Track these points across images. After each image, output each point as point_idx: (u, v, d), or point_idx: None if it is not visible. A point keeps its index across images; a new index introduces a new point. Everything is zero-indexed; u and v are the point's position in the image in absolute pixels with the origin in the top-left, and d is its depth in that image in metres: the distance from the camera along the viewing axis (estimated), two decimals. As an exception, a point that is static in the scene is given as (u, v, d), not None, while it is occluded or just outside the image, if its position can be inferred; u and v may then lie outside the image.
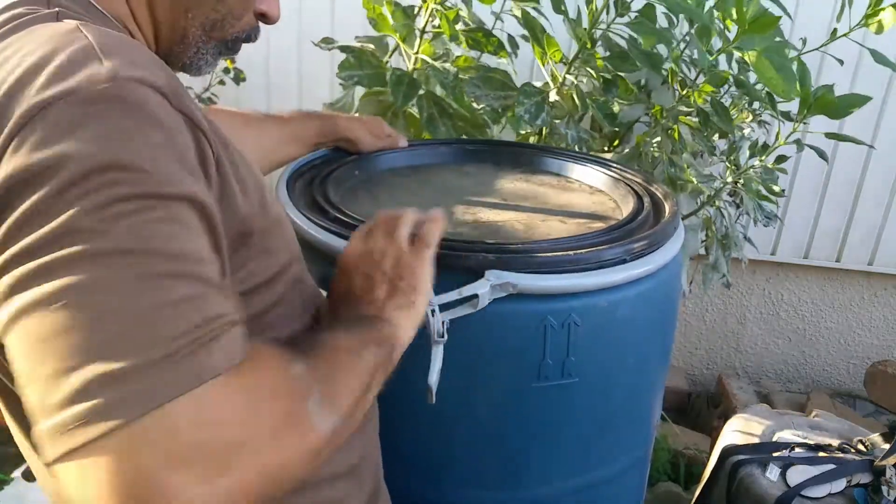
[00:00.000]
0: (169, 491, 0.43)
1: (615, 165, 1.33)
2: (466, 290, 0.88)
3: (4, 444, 2.27)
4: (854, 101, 1.51)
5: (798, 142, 1.71)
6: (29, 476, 1.39)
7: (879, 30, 1.53)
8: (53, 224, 0.47)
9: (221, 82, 2.32)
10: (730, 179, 1.80)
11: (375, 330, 0.70)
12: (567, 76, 1.64)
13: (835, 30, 1.61)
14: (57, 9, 0.61)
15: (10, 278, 0.48)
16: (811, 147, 1.78)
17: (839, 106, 1.50)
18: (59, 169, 0.48)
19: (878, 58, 1.55)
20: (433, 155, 1.40)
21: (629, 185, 1.23)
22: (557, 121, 1.64)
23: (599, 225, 1.11)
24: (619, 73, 1.67)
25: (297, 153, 1.25)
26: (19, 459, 2.03)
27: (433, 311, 0.84)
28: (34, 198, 0.48)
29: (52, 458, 0.44)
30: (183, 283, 0.49)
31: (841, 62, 1.80)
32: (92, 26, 0.58)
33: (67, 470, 0.44)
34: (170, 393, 0.45)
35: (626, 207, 1.16)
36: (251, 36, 0.76)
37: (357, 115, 1.71)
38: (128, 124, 0.51)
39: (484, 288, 0.88)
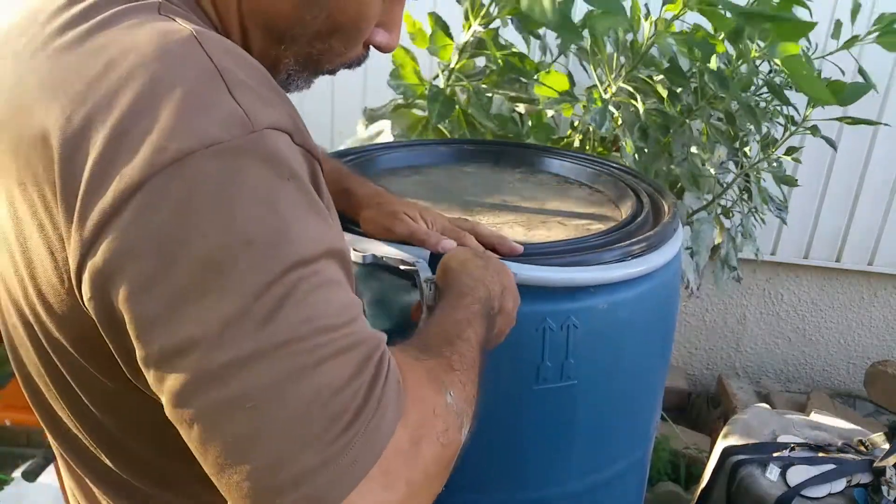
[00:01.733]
0: None
1: (614, 166, 1.33)
2: None
3: (4, 444, 2.27)
4: (860, 89, 1.58)
5: (814, 128, 1.76)
6: (29, 476, 1.39)
7: (892, 47, 1.59)
8: (211, 310, 0.46)
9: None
10: (740, 171, 1.81)
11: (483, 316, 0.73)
12: (622, 86, 1.65)
13: (852, 38, 1.66)
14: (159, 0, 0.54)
15: (164, 364, 0.47)
16: (824, 137, 1.81)
17: (848, 94, 1.57)
18: (203, 243, 0.46)
19: (865, 77, 1.66)
20: (433, 155, 1.40)
21: (628, 186, 1.23)
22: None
23: (599, 226, 1.11)
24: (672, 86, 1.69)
25: None
26: (19, 459, 2.03)
27: (427, 281, 0.84)
28: (178, 272, 0.46)
29: None
30: (346, 354, 0.49)
31: (843, 71, 1.82)
32: (206, 34, 0.52)
33: None
34: (361, 471, 0.48)
35: (626, 208, 1.16)
36: (357, 64, 0.70)
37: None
38: (270, 185, 0.48)
39: None
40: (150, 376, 0.48)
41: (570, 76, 1.67)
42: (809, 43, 1.77)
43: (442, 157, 1.41)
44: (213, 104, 0.48)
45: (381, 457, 0.49)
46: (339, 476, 0.47)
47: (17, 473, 1.71)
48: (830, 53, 1.72)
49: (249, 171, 0.47)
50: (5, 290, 0.60)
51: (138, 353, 0.48)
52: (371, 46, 0.68)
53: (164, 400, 0.48)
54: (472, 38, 1.65)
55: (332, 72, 0.69)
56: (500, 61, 1.67)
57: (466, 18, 1.65)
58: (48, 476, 1.45)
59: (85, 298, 0.49)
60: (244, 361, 0.46)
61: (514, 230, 1.12)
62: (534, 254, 0.96)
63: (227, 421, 0.46)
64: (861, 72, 1.65)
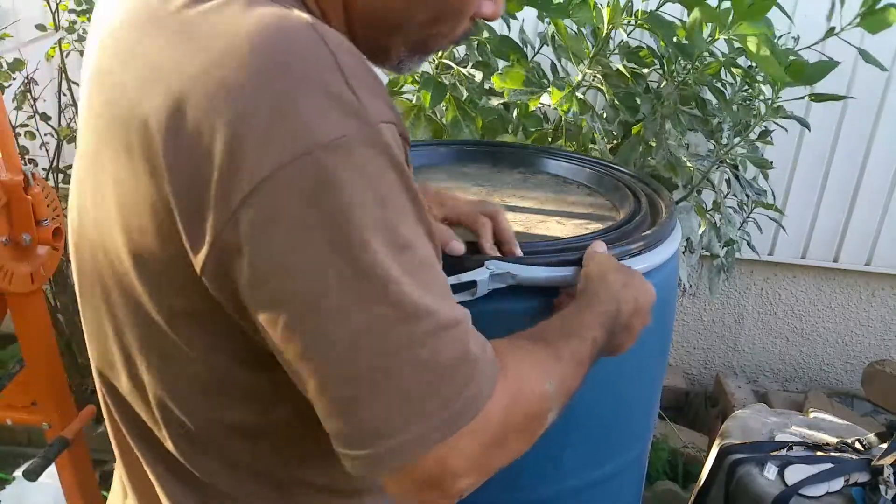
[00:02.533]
0: (446, 484, 0.57)
1: (612, 166, 1.34)
2: (465, 277, 0.88)
3: (5, 444, 2.28)
4: (824, 68, 1.57)
5: (779, 108, 1.75)
6: (30, 475, 1.39)
7: (873, 28, 1.55)
8: (327, 278, 0.51)
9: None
10: (716, 158, 1.81)
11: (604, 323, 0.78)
12: (590, 73, 1.66)
13: (831, 28, 1.63)
14: None
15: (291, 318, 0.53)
16: (794, 117, 1.81)
17: (811, 73, 1.57)
18: (332, 225, 0.51)
19: (867, 57, 1.58)
20: (432, 156, 1.41)
21: (627, 187, 1.24)
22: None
23: (597, 226, 1.12)
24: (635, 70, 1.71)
25: None
26: (20, 459, 2.03)
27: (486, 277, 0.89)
28: (307, 252, 0.51)
29: (373, 474, 0.56)
30: (452, 329, 0.56)
31: (837, 63, 1.81)
32: (321, 24, 0.54)
33: (389, 480, 0.57)
34: (460, 424, 0.56)
35: (624, 208, 1.17)
36: (465, 38, 0.73)
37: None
38: (383, 174, 0.53)
39: (483, 275, 0.88)
40: (275, 322, 0.53)
41: (538, 68, 1.67)
42: (795, 37, 1.78)
43: (441, 158, 1.41)
44: (335, 97, 0.51)
45: (478, 419, 0.56)
46: (427, 433, 0.54)
47: (18, 473, 1.71)
48: (818, 42, 1.70)
49: (368, 162, 0.52)
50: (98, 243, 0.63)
51: (263, 306, 0.53)
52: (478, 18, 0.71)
53: (292, 345, 0.53)
54: None
55: (444, 49, 0.73)
56: (487, 45, 1.68)
57: None
58: (49, 475, 1.46)
59: (206, 268, 0.54)
60: (368, 323, 0.52)
61: (513, 229, 1.12)
62: (532, 252, 0.97)
63: (351, 365, 0.53)
64: (862, 52, 1.60)
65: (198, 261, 0.54)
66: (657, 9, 1.63)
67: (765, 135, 1.88)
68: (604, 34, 1.63)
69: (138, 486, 0.73)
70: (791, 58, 1.59)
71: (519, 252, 0.96)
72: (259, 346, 0.58)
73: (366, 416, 0.54)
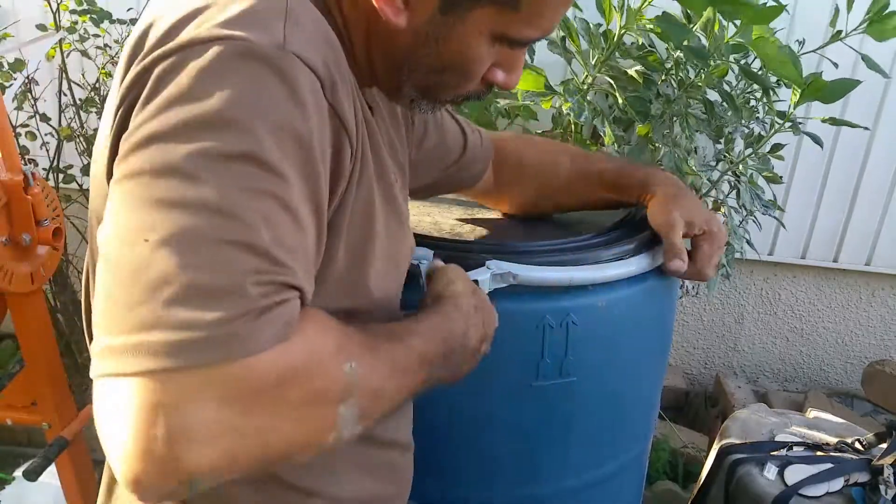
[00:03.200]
0: (185, 441, 0.46)
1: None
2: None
3: (5, 444, 2.27)
4: (845, 86, 1.54)
5: (795, 125, 1.73)
6: (30, 475, 1.39)
7: (879, 36, 1.54)
8: (161, 158, 0.51)
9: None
10: (725, 168, 1.81)
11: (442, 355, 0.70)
12: (600, 75, 1.66)
13: (838, 31, 1.62)
14: None
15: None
16: (807, 133, 1.80)
17: (830, 90, 1.53)
18: (196, 104, 0.52)
19: (870, 64, 1.57)
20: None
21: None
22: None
23: (596, 226, 1.12)
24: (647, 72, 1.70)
25: (575, 205, 1.13)
26: (20, 459, 2.03)
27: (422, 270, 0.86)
28: (162, 119, 0.52)
29: (107, 371, 0.47)
30: (263, 250, 0.51)
31: (836, 65, 1.81)
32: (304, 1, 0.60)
33: (113, 388, 0.47)
34: (237, 352, 0.48)
35: (623, 208, 1.17)
36: (478, 97, 0.76)
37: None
38: (273, 94, 0.53)
39: (484, 275, 0.88)
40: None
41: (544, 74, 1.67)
42: (800, 41, 1.77)
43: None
44: (263, 23, 0.55)
45: (232, 367, 0.48)
46: (183, 348, 0.46)
47: (18, 473, 1.71)
48: (823, 46, 1.69)
49: (257, 70, 0.53)
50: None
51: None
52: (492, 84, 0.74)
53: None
54: None
55: (456, 102, 0.76)
56: None
57: None
58: (49, 475, 1.46)
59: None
60: (161, 202, 0.50)
61: (514, 230, 1.13)
62: (531, 253, 0.97)
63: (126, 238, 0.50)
64: (865, 59, 1.60)
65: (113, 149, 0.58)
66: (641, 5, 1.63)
67: (777, 148, 1.88)
68: (615, 37, 1.63)
69: None
70: (811, 71, 1.57)
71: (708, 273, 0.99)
72: None
73: (109, 302, 0.49)
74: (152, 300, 0.47)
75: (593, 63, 1.67)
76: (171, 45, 0.54)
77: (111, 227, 0.51)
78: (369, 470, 0.78)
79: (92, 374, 0.49)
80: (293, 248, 0.53)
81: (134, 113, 0.54)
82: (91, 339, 0.72)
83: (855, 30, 1.60)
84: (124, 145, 0.53)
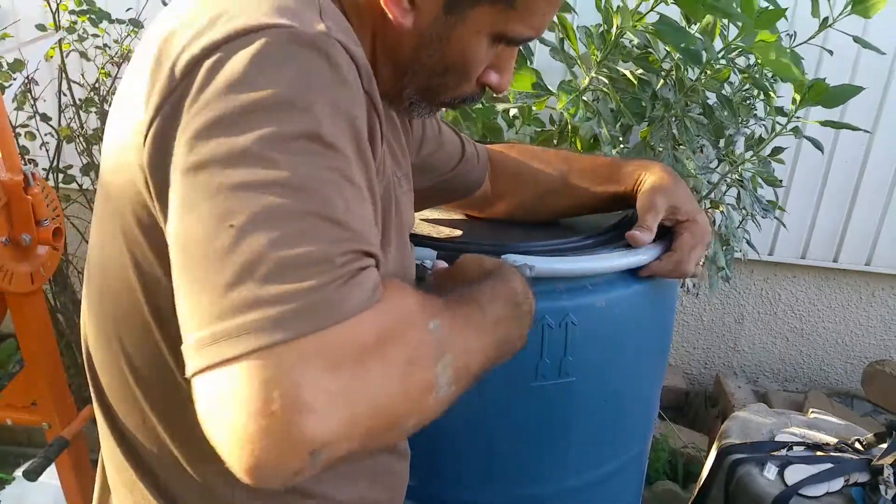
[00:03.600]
0: (305, 411, 0.45)
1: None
2: None
3: (5, 444, 2.27)
4: (846, 92, 1.54)
5: (796, 129, 1.72)
6: (30, 475, 1.39)
7: (867, 13, 1.53)
8: (228, 145, 0.51)
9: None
10: (726, 171, 1.81)
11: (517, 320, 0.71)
12: (597, 77, 1.65)
13: (825, 19, 1.61)
14: None
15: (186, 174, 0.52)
16: (808, 138, 1.80)
17: (833, 95, 1.52)
18: (253, 90, 0.52)
19: (864, 44, 1.56)
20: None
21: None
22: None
23: (596, 227, 1.12)
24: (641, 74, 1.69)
25: (572, 207, 1.12)
26: (20, 459, 2.03)
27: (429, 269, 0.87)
28: (221, 107, 0.52)
29: (211, 362, 0.47)
30: (340, 221, 0.52)
31: (830, 52, 1.80)
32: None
33: (216, 379, 0.47)
34: (336, 317, 0.48)
35: (623, 209, 1.17)
36: (472, 100, 0.78)
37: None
38: (324, 76, 0.54)
39: None
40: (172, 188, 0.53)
41: (538, 74, 1.66)
42: (791, 34, 1.77)
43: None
44: (300, 15, 0.56)
45: (332, 332, 0.48)
46: (261, 322, 0.47)
47: (18, 473, 1.71)
48: (812, 37, 1.67)
49: (308, 55, 0.54)
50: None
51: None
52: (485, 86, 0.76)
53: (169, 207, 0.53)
54: None
55: (452, 105, 0.78)
56: None
57: None
58: (49, 475, 1.46)
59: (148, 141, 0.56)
60: (237, 187, 0.50)
61: (514, 230, 1.13)
62: (532, 253, 0.97)
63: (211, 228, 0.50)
64: (859, 40, 1.58)
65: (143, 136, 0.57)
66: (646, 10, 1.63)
67: (777, 152, 1.88)
68: (612, 38, 1.62)
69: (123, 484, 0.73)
70: (812, 78, 1.57)
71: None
72: None
73: (197, 296, 0.49)
74: (248, 281, 0.48)
75: (591, 64, 1.67)
76: (207, 40, 0.54)
77: (187, 221, 0.51)
78: (365, 475, 0.78)
79: (189, 373, 0.48)
80: (364, 219, 0.54)
81: (187, 105, 0.54)
82: (86, 337, 0.72)
83: (841, 14, 1.58)
84: (182, 138, 0.53)
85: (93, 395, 0.74)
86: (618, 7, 1.61)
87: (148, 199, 0.58)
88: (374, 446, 0.52)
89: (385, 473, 0.82)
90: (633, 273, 1.01)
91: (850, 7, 1.55)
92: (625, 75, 1.65)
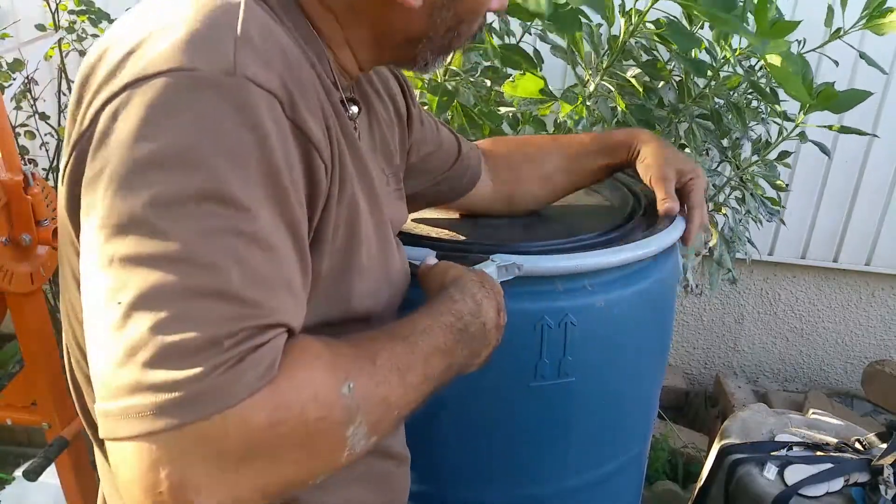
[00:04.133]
0: (191, 494, 0.47)
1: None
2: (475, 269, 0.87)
3: (5, 444, 2.27)
4: (855, 97, 1.54)
5: (802, 134, 1.73)
6: (30, 475, 1.39)
7: (880, 30, 1.54)
8: (118, 210, 0.50)
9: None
10: (731, 175, 1.81)
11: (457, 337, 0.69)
12: (601, 82, 1.65)
13: (838, 29, 1.62)
14: None
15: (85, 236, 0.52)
16: (814, 142, 1.80)
17: (841, 101, 1.53)
18: (145, 144, 0.50)
19: (869, 61, 1.58)
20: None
21: (626, 187, 1.24)
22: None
23: (596, 227, 1.12)
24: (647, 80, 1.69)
25: (574, 183, 1.15)
26: (20, 458, 2.03)
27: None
28: (114, 163, 0.51)
29: (107, 436, 0.48)
30: (234, 295, 0.50)
31: (836, 63, 1.80)
32: (256, 9, 0.57)
33: (117, 448, 0.48)
34: (221, 404, 0.47)
35: (623, 210, 1.17)
36: (479, 34, 0.78)
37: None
38: (224, 123, 0.51)
39: (490, 268, 0.88)
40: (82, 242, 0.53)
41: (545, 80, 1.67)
42: (799, 40, 1.77)
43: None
44: (209, 47, 0.53)
45: (217, 418, 0.47)
46: (152, 411, 0.47)
47: (18, 472, 1.71)
48: (822, 45, 1.69)
49: (207, 101, 0.51)
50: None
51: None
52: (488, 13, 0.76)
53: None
54: None
55: (463, 48, 0.79)
56: (495, 54, 1.67)
57: None
58: (49, 475, 1.46)
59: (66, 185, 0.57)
60: (126, 260, 0.49)
61: (513, 231, 1.13)
62: (532, 252, 0.97)
63: (96, 306, 0.50)
64: (863, 56, 1.60)
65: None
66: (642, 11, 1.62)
67: (784, 156, 1.88)
68: (619, 44, 1.62)
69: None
70: (819, 83, 1.57)
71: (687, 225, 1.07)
72: None
73: (96, 359, 0.49)
74: (131, 364, 0.47)
75: (596, 68, 1.66)
76: (116, 82, 0.52)
77: (88, 284, 0.51)
78: (360, 479, 0.77)
79: (100, 436, 0.49)
80: (270, 282, 0.52)
81: (90, 156, 0.53)
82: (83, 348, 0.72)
83: (853, 27, 1.60)
84: (85, 192, 0.53)
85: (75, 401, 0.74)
86: (627, 10, 1.61)
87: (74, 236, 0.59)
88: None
89: (381, 479, 0.81)
90: (633, 273, 1.01)
91: (862, 22, 1.56)
92: (631, 82, 1.65)
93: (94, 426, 0.70)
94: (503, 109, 1.72)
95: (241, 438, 0.48)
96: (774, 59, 1.39)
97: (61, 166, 0.58)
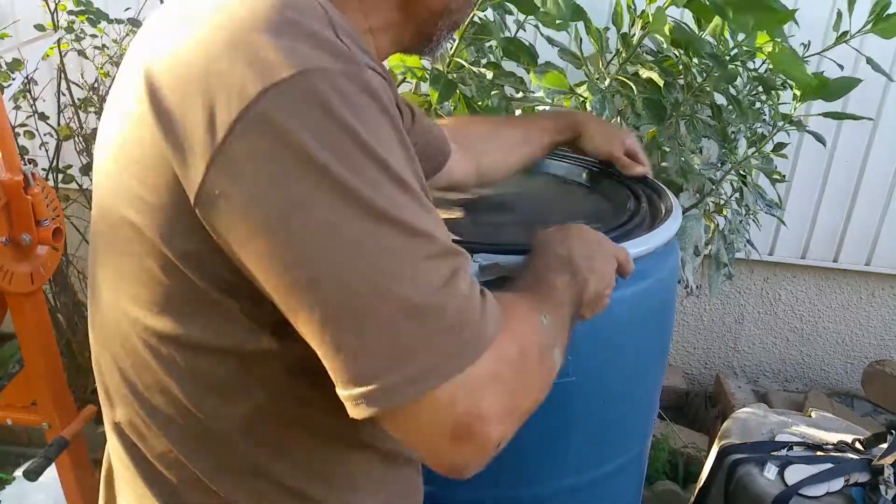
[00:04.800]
0: (487, 428, 0.55)
1: (612, 166, 1.34)
2: None
3: (6, 444, 2.27)
4: (846, 84, 1.56)
5: (799, 122, 1.74)
6: (30, 475, 1.39)
7: (888, 34, 1.56)
8: (314, 190, 0.51)
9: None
10: (729, 168, 1.81)
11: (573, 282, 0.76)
12: (618, 78, 1.66)
13: (844, 33, 1.64)
14: None
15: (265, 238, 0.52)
16: (809, 131, 1.80)
17: (832, 89, 1.54)
18: (309, 146, 0.50)
19: (875, 67, 1.59)
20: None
21: (627, 187, 1.24)
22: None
23: (596, 226, 1.12)
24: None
25: (532, 154, 1.24)
26: (20, 458, 2.03)
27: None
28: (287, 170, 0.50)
29: (401, 402, 0.53)
30: (443, 260, 0.55)
31: (841, 67, 1.81)
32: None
33: (412, 414, 0.54)
34: (487, 342, 0.55)
35: (624, 208, 1.17)
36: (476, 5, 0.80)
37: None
38: (368, 109, 0.53)
39: (472, 269, 0.87)
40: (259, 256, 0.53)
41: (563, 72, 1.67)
42: (805, 44, 1.77)
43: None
44: (322, 39, 0.53)
45: (486, 358, 0.55)
46: (435, 365, 0.53)
47: (18, 472, 1.71)
48: (828, 48, 1.70)
49: (352, 94, 0.52)
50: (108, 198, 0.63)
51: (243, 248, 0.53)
52: None
53: (279, 288, 0.53)
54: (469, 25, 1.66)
55: (463, 23, 0.81)
56: (500, 49, 1.68)
57: None
58: (49, 475, 1.46)
59: (203, 213, 0.54)
60: (350, 249, 0.51)
61: (514, 230, 1.13)
62: (504, 252, 0.96)
63: (333, 301, 0.52)
64: (870, 61, 1.61)
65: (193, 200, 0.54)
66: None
67: (780, 147, 1.88)
68: (634, 41, 1.63)
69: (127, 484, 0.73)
70: (812, 72, 1.58)
71: (641, 170, 1.25)
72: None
73: (360, 349, 0.52)
74: (420, 330, 0.53)
75: (606, 68, 1.67)
76: (245, 98, 0.51)
77: (326, 275, 0.52)
78: (390, 482, 0.78)
79: (366, 413, 0.53)
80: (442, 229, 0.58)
81: (238, 168, 0.51)
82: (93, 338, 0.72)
83: (859, 31, 1.60)
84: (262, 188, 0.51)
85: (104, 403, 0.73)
86: (642, 11, 1.62)
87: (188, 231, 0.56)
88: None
89: (404, 485, 0.81)
90: (633, 273, 1.01)
91: (870, 25, 1.58)
92: (647, 77, 1.66)
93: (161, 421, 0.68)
94: (537, 104, 1.73)
95: (508, 370, 0.57)
96: (772, 49, 1.42)
97: (175, 182, 0.55)
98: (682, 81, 1.73)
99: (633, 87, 1.60)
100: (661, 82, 1.62)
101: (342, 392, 0.54)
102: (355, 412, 0.53)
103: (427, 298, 0.52)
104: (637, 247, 0.99)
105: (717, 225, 1.90)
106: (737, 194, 1.89)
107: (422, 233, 0.53)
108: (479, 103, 1.67)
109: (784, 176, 1.97)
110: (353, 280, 0.51)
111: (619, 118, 1.63)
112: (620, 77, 1.63)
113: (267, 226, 0.51)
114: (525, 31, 1.87)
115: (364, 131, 0.52)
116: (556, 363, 0.65)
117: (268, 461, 0.66)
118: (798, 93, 1.59)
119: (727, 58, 1.61)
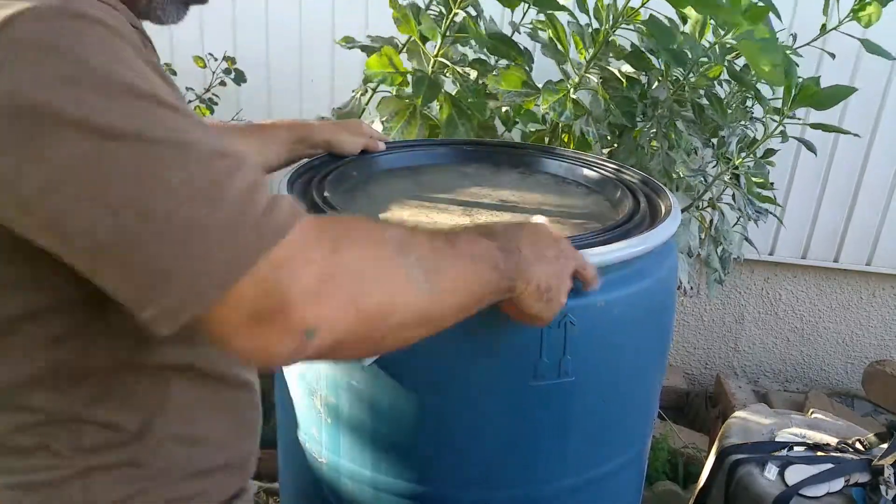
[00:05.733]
0: (279, 312, 0.55)
1: (612, 165, 1.34)
2: None
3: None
4: (839, 93, 1.53)
5: (783, 133, 1.72)
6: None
7: (868, 23, 1.53)
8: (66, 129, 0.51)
9: (222, 83, 2.32)
10: (719, 172, 1.81)
11: (501, 247, 0.75)
12: (587, 76, 1.65)
13: (823, 25, 1.62)
14: None
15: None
16: (799, 139, 1.79)
17: (824, 97, 1.51)
18: (78, 66, 0.52)
19: (870, 47, 1.56)
20: (431, 156, 1.41)
21: (626, 185, 1.24)
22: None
23: (596, 226, 1.12)
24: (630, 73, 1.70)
25: (273, 160, 1.24)
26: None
27: None
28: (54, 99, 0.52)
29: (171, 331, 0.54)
30: (218, 160, 0.56)
31: (833, 56, 1.80)
32: None
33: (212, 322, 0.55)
34: (252, 254, 0.54)
35: (623, 208, 1.17)
36: None
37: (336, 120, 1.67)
38: (96, 37, 0.54)
39: None
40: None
41: (528, 73, 1.67)
42: (793, 34, 1.76)
43: (440, 158, 1.41)
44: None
45: (283, 246, 0.55)
46: (229, 260, 0.53)
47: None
48: (814, 39, 1.69)
49: (72, 25, 0.53)
50: None
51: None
52: None
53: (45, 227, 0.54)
54: (452, 23, 1.66)
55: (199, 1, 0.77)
56: (482, 43, 1.68)
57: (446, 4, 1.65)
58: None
59: None
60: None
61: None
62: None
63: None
64: (865, 43, 1.58)
65: None
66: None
67: (770, 153, 1.87)
68: (602, 36, 1.62)
69: None
70: (812, 74, 1.56)
71: (381, 146, 1.32)
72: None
73: (148, 262, 0.53)
74: (241, 215, 0.54)
75: (580, 62, 1.67)
76: None
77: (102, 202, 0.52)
78: (207, 408, 0.78)
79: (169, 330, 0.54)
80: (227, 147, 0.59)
81: None
82: None
83: (843, 20, 1.59)
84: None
85: None
86: (608, 4, 1.61)
87: None
88: (376, 338, 0.62)
89: (228, 404, 0.81)
90: (633, 273, 1.01)
91: (850, 15, 1.56)
92: (615, 74, 1.65)
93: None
94: (492, 104, 1.73)
95: (319, 255, 0.57)
96: (750, 48, 1.39)
97: None
98: (667, 78, 1.73)
99: (601, 84, 1.60)
100: (624, 79, 1.62)
101: (140, 317, 0.54)
102: (159, 330, 0.54)
103: (194, 203, 0.53)
104: (636, 246, 0.99)
105: (709, 228, 1.90)
106: (730, 198, 1.89)
107: (183, 142, 0.54)
108: (469, 102, 1.67)
109: (772, 184, 1.96)
110: (118, 206, 0.52)
111: (588, 118, 1.63)
112: (589, 75, 1.63)
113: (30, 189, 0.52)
114: (520, 33, 1.87)
115: (91, 57, 0.53)
116: (405, 269, 0.62)
117: (85, 405, 0.68)
118: (787, 100, 1.58)
119: (704, 54, 1.60)
